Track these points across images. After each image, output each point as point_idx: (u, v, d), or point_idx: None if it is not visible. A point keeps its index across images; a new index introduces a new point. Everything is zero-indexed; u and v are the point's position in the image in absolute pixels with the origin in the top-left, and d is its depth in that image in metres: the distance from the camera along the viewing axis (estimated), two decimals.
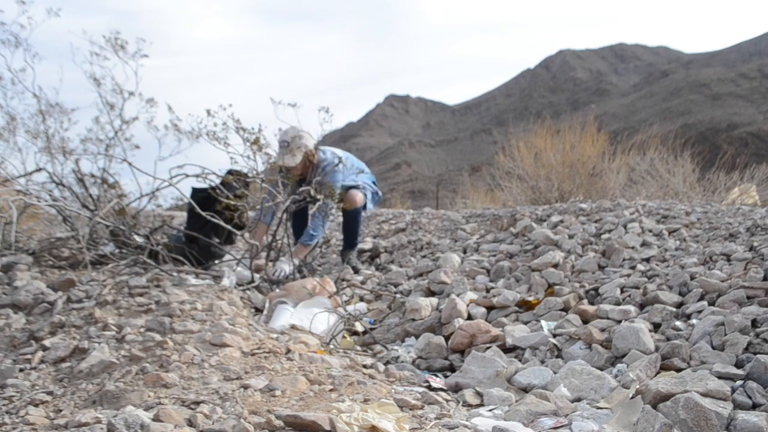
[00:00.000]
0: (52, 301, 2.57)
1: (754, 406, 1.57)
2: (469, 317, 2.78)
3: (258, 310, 3.00)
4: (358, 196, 4.07)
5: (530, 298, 2.92)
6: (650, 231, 3.87)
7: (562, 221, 4.43)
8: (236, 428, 1.47)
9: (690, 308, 2.37)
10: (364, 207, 4.20)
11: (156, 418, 1.50)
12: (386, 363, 2.44)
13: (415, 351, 2.54)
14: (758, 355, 1.76)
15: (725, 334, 2.02)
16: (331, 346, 2.61)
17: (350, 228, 4.28)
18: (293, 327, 2.75)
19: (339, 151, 4.15)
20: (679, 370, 1.88)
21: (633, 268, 3.20)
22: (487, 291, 3.15)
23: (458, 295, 2.98)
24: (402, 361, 2.46)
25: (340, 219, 6.70)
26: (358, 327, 2.98)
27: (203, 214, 3.33)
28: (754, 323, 2.06)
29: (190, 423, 1.52)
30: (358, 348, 2.74)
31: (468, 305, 2.87)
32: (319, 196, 3.44)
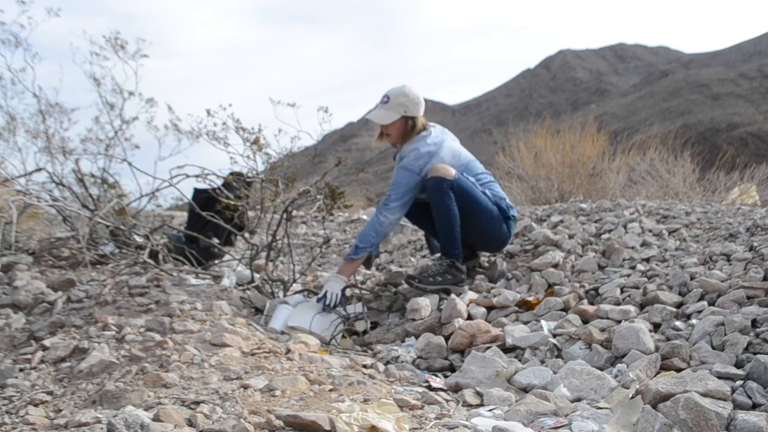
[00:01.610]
0: (52, 301, 2.57)
1: (754, 406, 1.57)
2: (469, 317, 2.78)
3: (258, 310, 3.00)
4: (445, 168, 3.00)
5: (530, 298, 2.92)
6: (650, 231, 3.86)
7: (562, 221, 4.43)
8: (236, 428, 1.47)
9: (690, 308, 2.38)
10: (456, 186, 2.98)
11: (156, 418, 1.50)
12: (386, 363, 2.44)
13: (415, 351, 2.54)
14: (758, 355, 1.76)
15: (725, 334, 2.02)
16: (332, 346, 2.60)
17: (436, 218, 3.03)
18: (292, 328, 2.75)
19: (450, 141, 3.18)
20: (679, 370, 1.88)
21: (633, 268, 3.20)
22: (488, 291, 3.15)
23: (458, 295, 2.98)
24: (402, 361, 2.46)
25: (340, 220, 6.70)
26: (358, 327, 2.98)
27: (203, 214, 3.33)
28: (754, 323, 2.06)
29: (190, 423, 1.52)
30: (358, 348, 2.74)
31: (468, 305, 2.87)
32: (318, 196, 3.44)
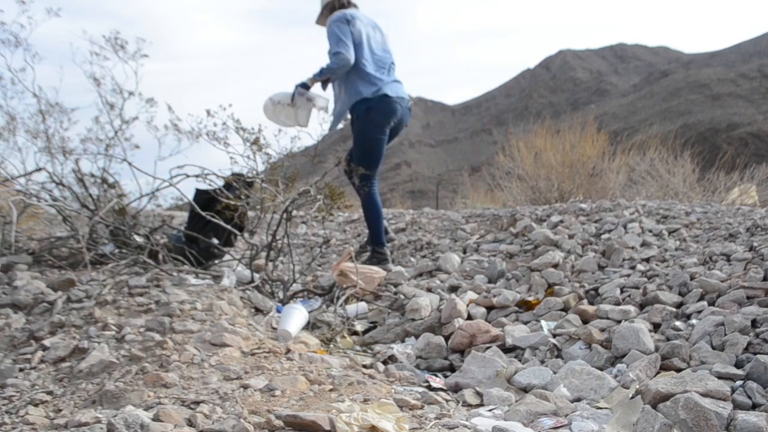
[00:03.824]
0: (52, 301, 2.57)
1: (754, 406, 1.57)
2: (469, 317, 2.78)
3: (258, 310, 3.00)
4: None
5: (530, 298, 2.92)
6: (650, 231, 3.87)
7: (562, 221, 4.43)
8: (236, 428, 1.47)
9: (690, 308, 2.38)
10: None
11: (156, 418, 1.50)
12: (385, 361, 2.44)
13: (415, 351, 2.54)
14: (758, 355, 1.76)
15: (725, 334, 2.02)
16: (331, 344, 2.60)
17: (365, 215, 3.91)
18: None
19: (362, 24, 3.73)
20: (679, 370, 1.89)
21: (633, 268, 3.21)
22: (487, 291, 3.16)
23: (458, 294, 2.98)
24: (401, 361, 2.46)
25: (340, 220, 6.70)
26: (358, 327, 2.98)
27: (203, 214, 3.33)
28: (754, 323, 2.06)
29: (190, 423, 1.52)
30: (358, 348, 2.74)
31: (468, 305, 2.88)
32: (318, 196, 3.44)
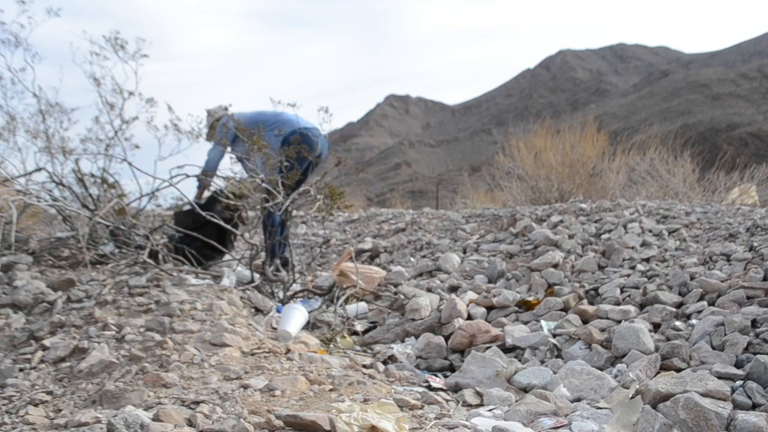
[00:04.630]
0: (52, 301, 2.57)
1: (754, 406, 1.57)
2: (469, 317, 2.78)
3: (258, 310, 3.00)
4: None
5: (530, 298, 2.92)
6: (650, 231, 3.87)
7: (562, 221, 4.43)
8: (236, 428, 1.47)
9: (690, 308, 2.38)
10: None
11: (156, 418, 1.50)
12: (385, 361, 2.44)
13: (415, 351, 2.54)
14: (758, 355, 1.76)
15: (725, 334, 2.02)
16: (330, 345, 2.59)
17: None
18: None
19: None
20: (679, 370, 1.89)
21: (633, 268, 3.21)
22: (487, 291, 3.16)
23: (458, 294, 2.98)
24: (401, 361, 2.46)
25: (340, 220, 6.70)
26: (358, 327, 2.98)
27: (195, 234, 3.37)
28: (754, 323, 2.06)
29: (190, 423, 1.52)
30: (358, 348, 2.74)
31: (468, 305, 2.88)
32: (318, 196, 3.44)
